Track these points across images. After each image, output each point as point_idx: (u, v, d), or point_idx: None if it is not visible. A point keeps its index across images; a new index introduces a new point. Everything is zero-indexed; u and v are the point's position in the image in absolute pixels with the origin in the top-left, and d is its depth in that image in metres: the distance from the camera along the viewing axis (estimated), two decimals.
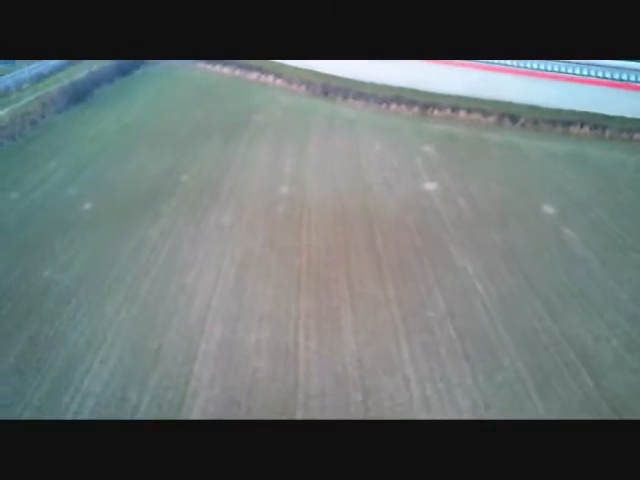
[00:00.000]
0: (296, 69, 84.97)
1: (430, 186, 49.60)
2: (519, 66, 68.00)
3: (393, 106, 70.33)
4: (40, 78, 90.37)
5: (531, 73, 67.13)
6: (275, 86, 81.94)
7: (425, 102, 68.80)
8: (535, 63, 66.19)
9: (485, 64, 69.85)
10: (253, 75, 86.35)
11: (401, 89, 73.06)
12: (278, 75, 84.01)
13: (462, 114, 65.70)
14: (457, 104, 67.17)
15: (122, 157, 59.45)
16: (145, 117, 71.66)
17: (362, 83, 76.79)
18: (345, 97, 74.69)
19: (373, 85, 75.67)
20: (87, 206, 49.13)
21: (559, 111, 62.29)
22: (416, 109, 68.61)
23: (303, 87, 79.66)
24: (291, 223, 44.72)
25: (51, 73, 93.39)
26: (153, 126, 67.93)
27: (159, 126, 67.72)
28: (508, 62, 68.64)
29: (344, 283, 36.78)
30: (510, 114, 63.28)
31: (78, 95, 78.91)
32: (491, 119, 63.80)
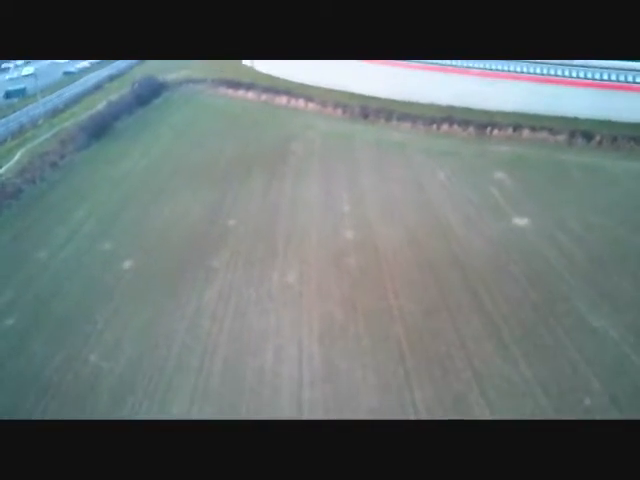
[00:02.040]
0: (328, 91, 77.96)
1: (521, 222, 42.06)
2: (579, 77, 60.53)
3: (445, 127, 63.03)
4: (55, 112, 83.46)
5: (594, 84, 59.65)
6: (308, 110, 74.80)
7: (481, 121, 61.46)
8: (604, 73, 58.72)
9: (540, 76, 62.56)
10: (282, 99, 79.34)
11: (451, 108, 65.80)
12: (309, 98, 76.94)
13: (526, 133, 58.27)
14: (518, 122, 59.76)
15: (156, 200, 52.14)
16: (174, 151, 64.51)
17: (405, 103, 69.61)
18: (388, 119, 67.45)
19: (418, 105, 68.40)
20: (127, 264, 41.69)
21: (637, 126, 54.71)
22: (471, 129, 61.24)
23: (339, 110, 72.53)
24: (370, 278, 37.17)
25: (66, 106, 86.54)
26: (184, 161, 60.72)
27: (191, 161, 60.51)
28: (566, 73, 61.28)
29: (462, 360, 29.15)
30: (582, 131, 55.76)
31: (98, 130, 71.80)
32: (560, 137, 56.35)
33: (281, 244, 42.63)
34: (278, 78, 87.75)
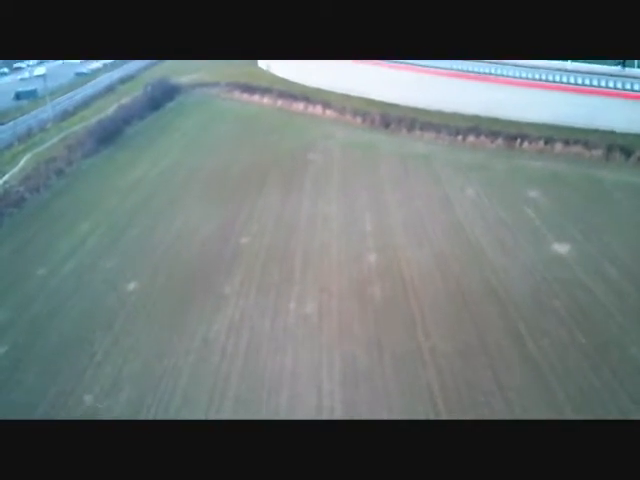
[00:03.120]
0: (346, 97, 74.11)
1: (561, 249, 37.94)
2: (616, 88, 56.12)
3: (471, 138, 58.94)
4: (64, 116, 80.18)
5: (631, 95, 55.23)
6: (326, 118, 70.98)
7: (510, 133, 57.33)
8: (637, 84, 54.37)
9: (572, 86, 58.22)
10: (299, 105, 75.59)
11: (476, 117, 61.68)
12: (327, 105, 73.10)
13: (559, 147, 54.05)
14: (550, 134, 55.57)
15: (165, 213, 48.53)
16: (186, 160, 60.91)
17: (427, 111, 65.55)
18: (410, 129, 63.45)
19: (441, 114, 64.35)
20: (131, 286, 38.09)
21: None
22: (500, 141, 57.13)
23: (359, 118, 68.64)
24: (397, 312, 33.25)
25: (76, 109, 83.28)
26: (196, 171, 57.13)
27: (203, 170, 56.94)
28: (602, 83, 56.90)
29: (504, 418, 25.10)
30: (620, 146, 51.43)
31: (107, 135, 68.33)
32: (597, 153, 52.07)
33: (298, 267, 38.83)
34: (295, 83, 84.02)
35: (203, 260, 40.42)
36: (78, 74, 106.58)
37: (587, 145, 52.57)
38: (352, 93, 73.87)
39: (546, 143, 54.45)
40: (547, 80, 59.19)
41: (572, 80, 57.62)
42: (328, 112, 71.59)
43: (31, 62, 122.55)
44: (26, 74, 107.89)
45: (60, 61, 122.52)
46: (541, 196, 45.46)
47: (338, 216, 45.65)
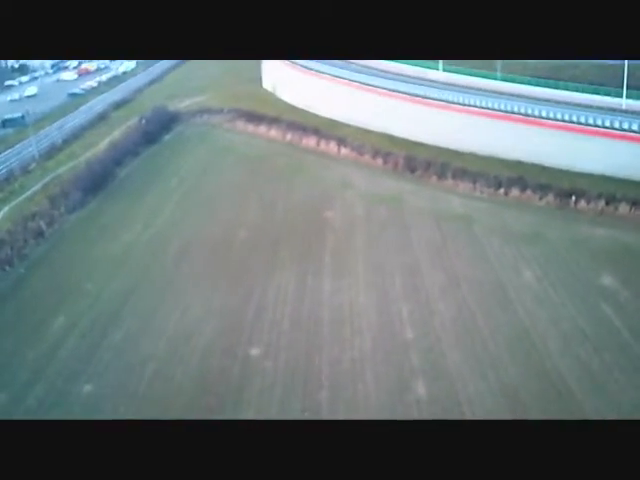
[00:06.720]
0: (364, 132, 63.93)
1: None
2: None
3: (515, 192, 48.95)
4: (51, 152, 70.23)
5: None
6: (341, 158, 60.94)
7: (562, 187, 47.34)
8: None
9: (633, 134, 48.02)
10: (310, 141, 65.50)
11: (519, 164, 51.62)
12: (342, 141, 62.92)
13: (624, 209, 44.03)
14: (610, 191, 45.50)
15: (159, 304, 39.10)
16: (183, 218, 51.34)
17: (459, 154, 55.52)
18: (441, 176, 53.45)
19: (475, 157, 54.28)
20: None
21: None
22: (550, 198, 47.13)
23: (379, 160, 58.57)
24: None
25: (65, 143, 73.25)
26: (195, 235, 47.64)
27: (203, 235, 47.43)
28: None
29: None
30: None
31: (96, 181, 58.47)
32: None
33: (325, 402, 29.16)
34: (304, 110, 73.90)
35: (202, 388, 30.82)
36: (71, 94, 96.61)
37: None
38: (370, 127, 63.59)
39: (607, 203, 44.42)
40: (602, 126, 48.96)
41: (635, 127, 47.40)
42: (344, 151, 61.59)
43: (23, 79, 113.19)
44: (16, 95, 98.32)
45: (52, 80, 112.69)
46: (619, 286, 35.58)
47: (368, 312, 35.92)
